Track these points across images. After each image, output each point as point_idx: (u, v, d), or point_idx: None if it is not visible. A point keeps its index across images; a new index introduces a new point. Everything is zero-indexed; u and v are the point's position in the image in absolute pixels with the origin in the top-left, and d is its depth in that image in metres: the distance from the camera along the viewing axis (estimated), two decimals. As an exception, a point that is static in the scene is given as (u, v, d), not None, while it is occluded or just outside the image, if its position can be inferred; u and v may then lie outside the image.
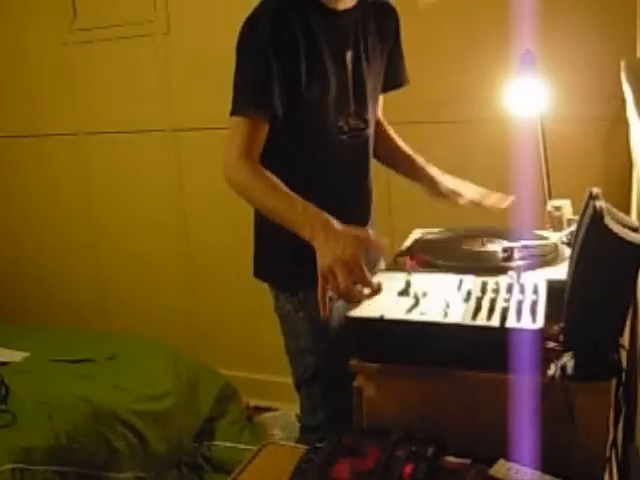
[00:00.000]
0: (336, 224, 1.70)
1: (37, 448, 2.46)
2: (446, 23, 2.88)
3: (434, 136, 2.96)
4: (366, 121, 2.07)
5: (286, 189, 1.79)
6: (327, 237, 1.66)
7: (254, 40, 1.86)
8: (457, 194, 2.17)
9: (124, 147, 3.71)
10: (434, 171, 2.21)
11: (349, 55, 2.00)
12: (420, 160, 2.24)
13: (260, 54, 1.84)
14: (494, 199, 2.14)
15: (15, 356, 3.10)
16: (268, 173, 1.83)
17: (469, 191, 2.17)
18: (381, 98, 2.26)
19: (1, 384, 2.71)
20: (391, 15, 2.14)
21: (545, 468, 1.37)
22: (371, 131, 2.11)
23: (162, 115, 3.57)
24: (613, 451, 1.50)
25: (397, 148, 2.28)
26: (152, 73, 3.54)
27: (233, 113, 1.88)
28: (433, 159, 2.83)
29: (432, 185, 2.20)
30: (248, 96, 1.88)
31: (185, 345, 3.48)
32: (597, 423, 1.42)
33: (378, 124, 2.27)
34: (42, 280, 4.12)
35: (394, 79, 2.21)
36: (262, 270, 2.14)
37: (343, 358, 1.93)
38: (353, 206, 2.08)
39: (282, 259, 2.08)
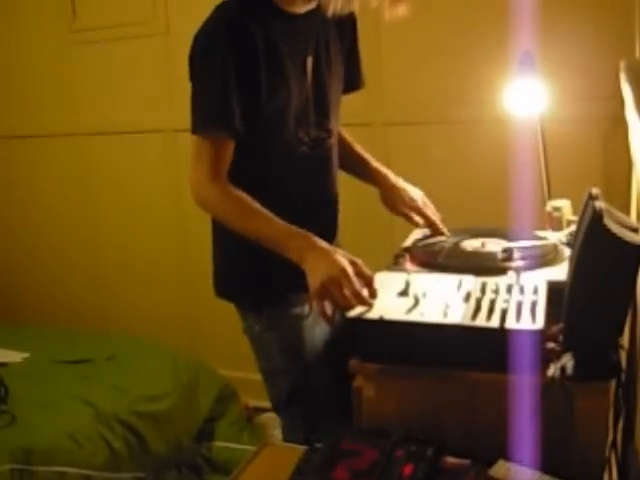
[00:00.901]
0: (321, 242, 1.70)
1: (36, 449, 2.46)
2: (445, 24, 2.88)
3: (433, 137, 2.96)
4: (328, 131, 1.97)
5: (262, 209, 1.76)
6: (316, 256, 1.66)
7: (211, 53, 1.76)
8: (414, 213, 2.09)
9: (124, 147, 3.70)
10: (391, 177, 2.12)
11: (309, 61, 1.90)
12: (375, 163, 2.15)
13: (219, 69, 1.74)
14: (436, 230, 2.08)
15: (15, 357, 3.10)
16: (241, 193, 1.78)
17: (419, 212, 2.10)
18: None
19: (0, 385, 2.71)
20: (349, 15, 1.95)
21: (545, 468, 1.37)
22: (334, 140, 2.01)
23: (162, 116, 3.57)
24: (613, 451, 1.50)
25: (351, 149, 2.16)
26: (152, 73, 3.54)
27: (194, 132, 1.80)
28: (432, 160, 2.84)
29: (387, 193, 2.12)
30: (208, 115, 1.79)
31: (184, 346, 3.48)
32: (597, 423, 1.42)
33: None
34: (41, 281, 4.12)
35: (352, 81, 2.10)
36: (225, 289, 2.05)
37: (319, 377, 1.94)
38: (318, 217, 1.97)
39: (245, 277, 1.99)
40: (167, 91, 3.51)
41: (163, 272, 3.77)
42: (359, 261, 1.66)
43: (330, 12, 1.75)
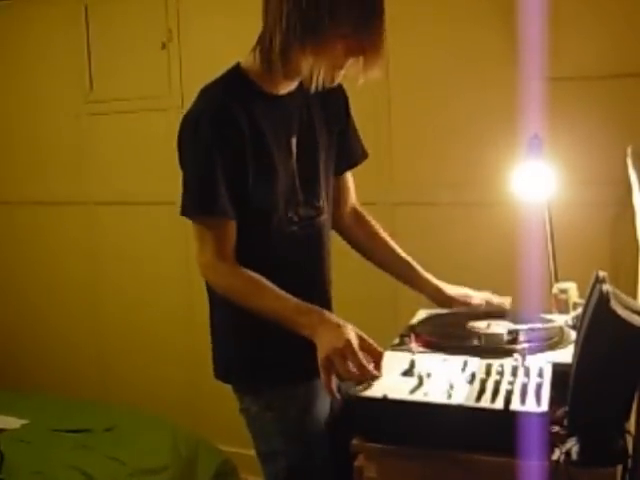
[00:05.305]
0: (331, 316, 1.73)
1: (30, 519, 2.42)
2: (454, 106, 2.92)
3: (441, 217, 2.97)
4: (317, 208, 1.96)
5: (272, 286, 1.78)
6: (325, 330, 1.68)
7: (198, 138, 1.79)
8: (466, 296, 2.09)
9: (133, 218, 3.73)
10: (432, 278, 2.12)
11: (294, 141, 1.91)
12: (418, 266, 2.13)
13: (204, 155, 1.78)
14: (497, 302, 2.09)
15: (13, 423, 3.07)
16: (249, 272, 1.79)
17: (473, 294, 2.11)
18: (351, 182, 2.16)
19: (-3, 452, 2.69)
20: (338, 93, 2.01)
21: None
22: (325, 217, 1.99)
23: (173, 188, 3.58)
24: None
25: (393, 252, 2.15)
26: (165, 146, 3.56)
27: (182, 214, 1.86)
28: (439, 240, 2.85)
29: (437, 293, 2.10)
30: (197, 203, 1.83)
31: (185, 420, 3.44)
32: (602, 510, 1.39)
33: (356, 215, 2.17)
34: (43, 348, 4.10)
35: (351, 157, 2.10)
36: (222, 372, 2.02)
37: (318, 458, 1.91)
38: (311, 294, 1.90)
39: (242, 360, 1.97)
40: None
41: (167, 344, 3.76)
42: (367, 338, 1.68)
43: (313, 88, 1.77)
